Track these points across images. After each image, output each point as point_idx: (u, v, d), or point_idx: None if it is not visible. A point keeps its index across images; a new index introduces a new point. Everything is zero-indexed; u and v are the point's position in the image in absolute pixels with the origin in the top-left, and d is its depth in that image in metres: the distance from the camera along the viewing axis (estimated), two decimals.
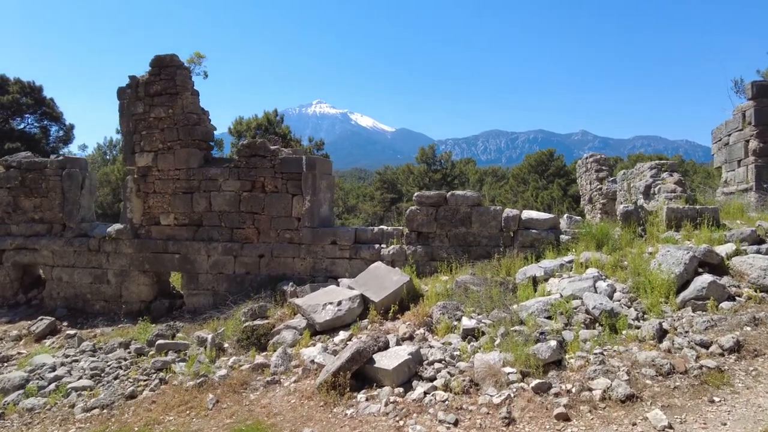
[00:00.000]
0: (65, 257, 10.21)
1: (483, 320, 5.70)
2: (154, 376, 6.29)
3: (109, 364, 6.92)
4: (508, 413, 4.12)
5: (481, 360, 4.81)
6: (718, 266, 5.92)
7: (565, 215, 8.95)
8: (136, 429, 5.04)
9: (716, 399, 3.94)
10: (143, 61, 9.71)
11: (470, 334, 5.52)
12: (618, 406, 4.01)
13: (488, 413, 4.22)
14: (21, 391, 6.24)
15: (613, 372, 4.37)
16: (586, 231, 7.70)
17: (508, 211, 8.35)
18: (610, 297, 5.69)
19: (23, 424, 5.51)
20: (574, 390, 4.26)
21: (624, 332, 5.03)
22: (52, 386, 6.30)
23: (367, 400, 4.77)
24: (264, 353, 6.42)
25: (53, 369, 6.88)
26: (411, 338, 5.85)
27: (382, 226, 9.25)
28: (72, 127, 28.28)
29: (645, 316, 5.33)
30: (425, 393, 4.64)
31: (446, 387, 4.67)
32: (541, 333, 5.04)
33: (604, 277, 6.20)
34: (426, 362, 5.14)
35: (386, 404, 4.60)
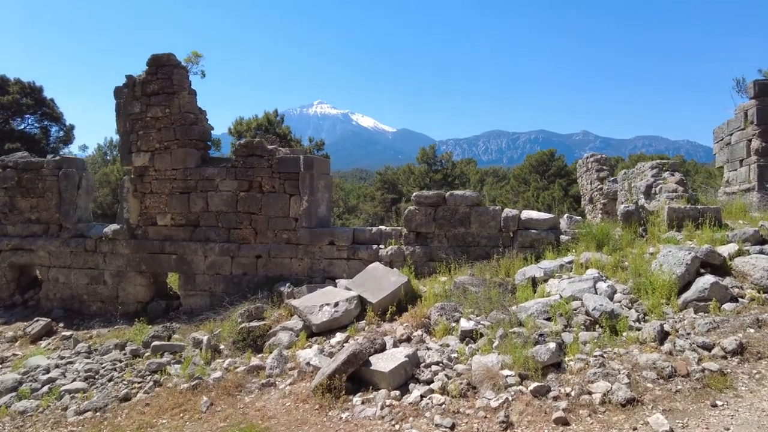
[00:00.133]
0: (62, 258, 10.14)
1: (481, 322, 5.61)
2: (148, 378, 6.22)
3: (103, 366, 6.85)
4: (506, 417, 4.04)
5: (479, 362, 4.73)
6: (720, 267, 5.82)
7: (565, 215, 8.86)
8: None
9: (719, 403, 3.84)
10: (143, 60, 9.67)
11: (468, 336, 5.43)
12: (618, 410, 3.92)
13: (486, 417, 4.13)
14: (14, 394, 6.18)
15: (613, 375, 4.28)
16: (586, 231, 7.62)
17: (508, 211, 8.27)
18: (611, 298, 5.60)
19: (15, 427, 5.44)
20: (573, 393, 4.17)
21: (624, 334, 4.93)
22: (46, 388, 6.24)
23: (362, 403, 4.69)
24: (260, 355, 6.35)
25: (47, 371, 6.82)
26: (408, 340, 5.77)
27: (380, 227, 9.17)
28: (72, 127, 28.27)
29: (646, 317, 5.24)
30: (422, 396, 4.56)
31: (443, 390, 4.58)
32: (540, 335, 4.95)
33: (604, 277, 6.11)
34: (423, 364, 5.06)
35: (382, 408, 4.52)
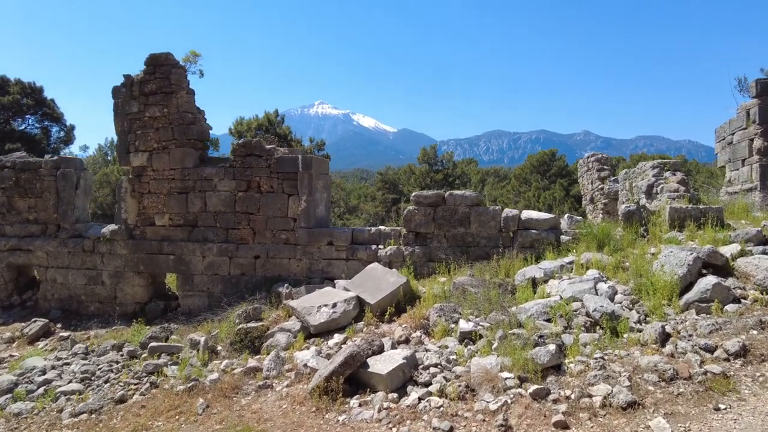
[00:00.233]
0: (59, 258, 10.09)
1: (481, 323, 5.55)
2: (145, 379, 6.16)
3: (100, 367, 6.79)
4: (505, 421, 3.97)
5: (478, 364, 4.67)
6: (722, 267, 5.75)
7: (566, 215, 8.79)
8: None
9: (722, 406, 3.77)
10: (143, 60, 9.64)
11: (467, 338, 5.37)
12: (619, 413, 3.85)
13: (484, 420, 4.07)
14: (9, 395, 6.12)
15: (614, 377, 4.22)
16: (587, 231, 7.55)
17: (508, 211, 8.20)
18: (611, 299, 5.53)
19: (9, 430, 5.39)
20: (573, 396, 4.10)
21: (625, 336, 4.86)
22: (41, 390, 6.18)
23: (360, 405, 4.63)
24: (257, 356, 6.28)
25: (43, 372, 6.76)
26: (407, 341, 5.71)
27: (379, 227, 9.11)
28: (73, 127, 28.29)
29: (647, 319, 5.17)
30: (420, 399, 4.50)
31: (441, 392, 4.52)
32: (540, 336, 4.88)
33: (605, 278, 6.05)
34: (421, 366, 4.99)
35: (379, 410, 4.46)
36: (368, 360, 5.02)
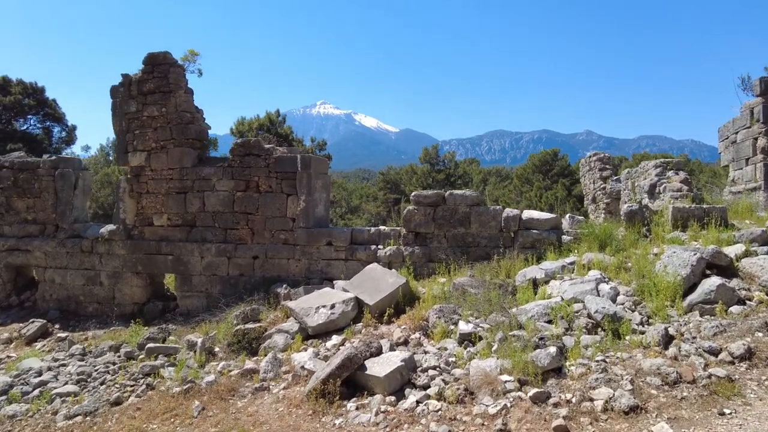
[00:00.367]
0: (58, 258, 10.05)
1: (480, 324, 5.46)
2: (141, 381, 6.09)
3: (96, 368, 6.73)
4: (504, 425, 3.89)
5: (477, 367, 4.58)
6: (726, 268, 5.66)
7: (567, 215, 8.70)
8: None
9: (727, 411, 3.68)
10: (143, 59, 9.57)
11: (467, 339, 5.29)
12: (621, 418, 3.76)
13: (483, 424, 3.99)
14: (4, 397, 6.06)
15: (615, 381, 4.13)
16: (588, 231, 7.46)
17: (508, 211, 8.11)
18: (613, 300, 5.44)
19: None
20: (574, 400, 4.02)
21: (627, 338, 4.77)
22: (37, 392, 6.12)
23: (357, 409, 4.55)
24: (255, 358, 6.21)
25: (39, 374, 6.70)
26: (406, 343, 5.63)
27: (379, 227, 9.04)
28: (74, 128, 28.29)
29: (650, 320, 5.08)
30: (418, 402, 4.42)
31: (440, 396, 4.44)
32: (541, 338, 4.79)
33: (607, 279, 5.96)
34: (420, 369, 4.91)
35: (376, 414, 4.38)
36: (366, 362, 4.94)
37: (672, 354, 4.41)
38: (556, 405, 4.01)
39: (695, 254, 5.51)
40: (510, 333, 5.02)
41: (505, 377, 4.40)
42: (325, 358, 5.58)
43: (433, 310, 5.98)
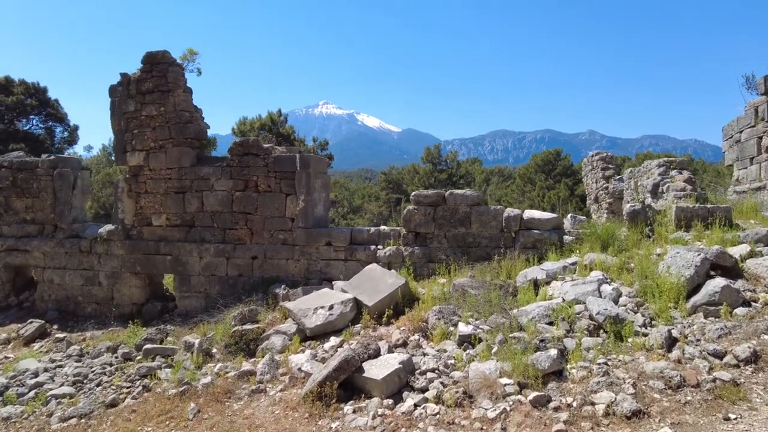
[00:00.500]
0: (56, 258, 10.00)
1: (480, 326, 5.38)
2: (137, 382, 6.03)
3: (93, 369, 6.67)
4: (503, 429, 3.81)
5: (477, 370, 4.50)
6: (731, 269, 5.55)
7: (569, 215, 8.60)
8: None
9: (732, 416, 3.58)
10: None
11: (467, 341, 5.20)
12: (623, 422, 3.67)
13: (482, 429, 3.90)
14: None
15: (617, 384, 4.04)
16: (590, 231, 7.36)
17: (509, 211, 8.02)
18: (616, 302, 5.34)
19: None
20: (575, 404, 3.93)
21: (630, 340, 4.68)
22: (32, 393, 6.07)
23: (354, 412, 4.47)
24: (252, 359, 6.14)
25: (35, 375, 6.65)
26: (404, 345, 5.54)
27: (379, 227, 8.95)
28: (77, 127, 28.35)
29: (653, 322, 4.98)
30: (416, 405, 4.34)
31: (438, 399, 4.35)
32: (542, 340, 4.71)
33: (609, 280, 5.86)
34: (418, 371, 4.83)
35: (374, 417, 4.30)
36: (364, 364, 4.87)
37: (675, 357, 4.32)
38: (556, 409, 3.92)
39: (699, 255, 5.41)
40: (510, 335, 4.93)
41: (504, 380, 4.32)
42: (323, 360, 5.51)
43: (433, 312, 5.90)
